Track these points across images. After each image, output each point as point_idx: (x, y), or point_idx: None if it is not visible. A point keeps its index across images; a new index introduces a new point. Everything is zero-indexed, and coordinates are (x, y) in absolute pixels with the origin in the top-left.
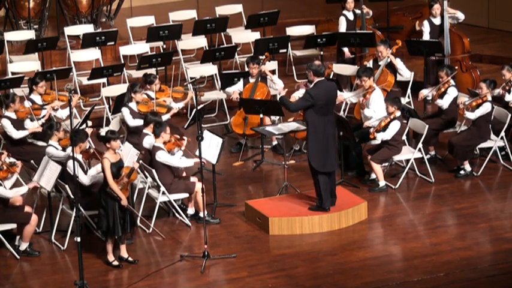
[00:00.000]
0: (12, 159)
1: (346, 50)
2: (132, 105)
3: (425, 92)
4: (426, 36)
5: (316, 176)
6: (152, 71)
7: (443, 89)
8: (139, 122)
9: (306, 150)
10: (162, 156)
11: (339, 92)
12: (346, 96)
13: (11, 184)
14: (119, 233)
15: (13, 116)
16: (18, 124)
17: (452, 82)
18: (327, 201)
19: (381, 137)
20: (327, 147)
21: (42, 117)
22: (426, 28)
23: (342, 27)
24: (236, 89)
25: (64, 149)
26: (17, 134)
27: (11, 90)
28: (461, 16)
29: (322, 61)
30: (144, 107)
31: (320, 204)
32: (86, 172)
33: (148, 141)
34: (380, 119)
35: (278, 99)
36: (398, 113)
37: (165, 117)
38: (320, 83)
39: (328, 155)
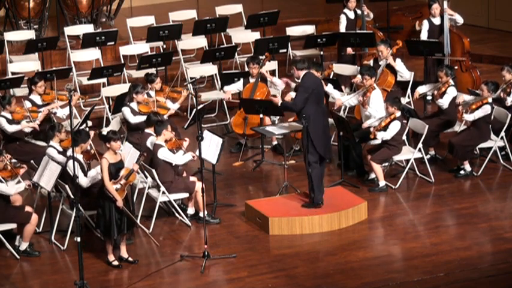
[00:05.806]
0: (14, 160)
1: (349, 48)
2: (133, 105)
3: (421, 90)
4: (424, 35)
5: (310, 170)
6: (152, 71)
7: (443, 89)
8: (140, 119)
9: (308, 144)
10: (163, 154)
11: (336, 96)
12: (344, 99)
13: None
14: (115, 235)
15: (9, 116)
16: (15, 124)
17: (451, 82)
18: (319, 196)
19: (381, 136)
20: (327, 134)
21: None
22: (424, 27)
23: (342, 26)
24: (235, 87)
25: (65, 151)
26: (10, 128)
27: (11, 91)
28: (459, 19)
29: (322, 61)
30: (145, 107)
31: (313, 199)
32: (86, 173)
33: (152, 141)
34: (380, 119)
35: (279, 105)
36: (398, 113)
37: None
38: (307, 74)
39: (328, 141)
